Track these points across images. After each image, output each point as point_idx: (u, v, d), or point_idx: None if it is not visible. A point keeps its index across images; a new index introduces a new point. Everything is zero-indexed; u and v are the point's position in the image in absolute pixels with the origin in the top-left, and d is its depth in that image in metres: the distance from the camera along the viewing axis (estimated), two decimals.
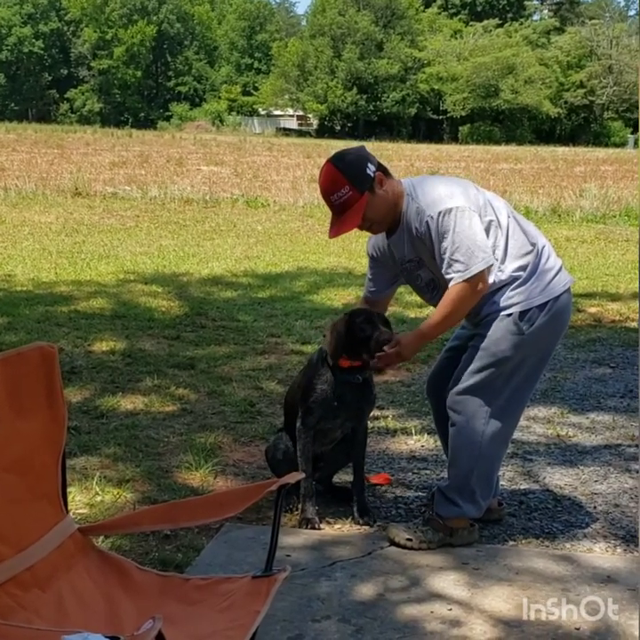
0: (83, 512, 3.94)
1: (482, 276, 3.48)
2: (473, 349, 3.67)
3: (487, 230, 3.54)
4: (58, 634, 1.71)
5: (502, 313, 3.58)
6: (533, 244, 3.59)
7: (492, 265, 3.49)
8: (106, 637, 1.70)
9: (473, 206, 3.51)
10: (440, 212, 3.47)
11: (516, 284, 3.57)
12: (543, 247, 3.62)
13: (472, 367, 3.67)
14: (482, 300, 3.58)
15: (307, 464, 3.91)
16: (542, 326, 3.57)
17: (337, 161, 3.61)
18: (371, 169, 3.57)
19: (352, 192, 3.54)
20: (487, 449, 3.63)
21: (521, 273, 3.56)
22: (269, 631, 2.95)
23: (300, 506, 3.94)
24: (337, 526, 3.96)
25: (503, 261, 3.56)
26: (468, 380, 3.67)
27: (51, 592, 2.39)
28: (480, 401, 3.63)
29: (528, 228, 3.66)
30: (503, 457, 3.77)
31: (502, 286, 3.57)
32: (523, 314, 3.56)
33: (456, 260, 3.46)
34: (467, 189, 3.61)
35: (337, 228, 3.61)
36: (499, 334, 3.59)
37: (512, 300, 3.57)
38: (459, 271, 3.46)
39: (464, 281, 3.46)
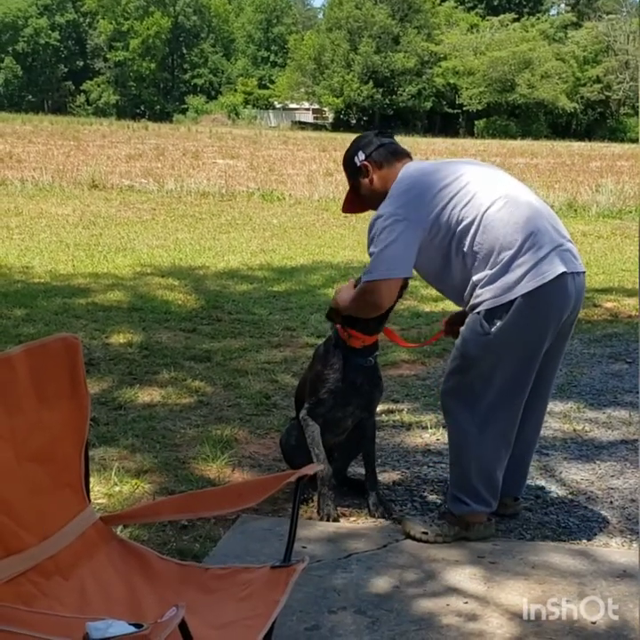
0: (102, 502, 3.97)
1: (375, 285, 3.57)
2: (453, 348, 3.70)
3: (461, 229, 3.47)
4: (82, 621, 1.73)
5: (473, 311, 3.52)
6: (514, 240, 3.41)
7: (393, 279, 3.55)
8: (129, 624, 1.72)
9: (410, 214, 3.50)
10: (373, 218, 3.61)
11: (485, 280, 3.46)
12: (525, 240, 3.42)
13: (448, 367, 3.71)
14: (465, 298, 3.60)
15: (319, 449, 3.92)
16: (512, 325, 3.43)
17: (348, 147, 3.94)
18: (359, 158, 3.79)
19: (347, 178, 3.93)
20: (481, 449, 3.60)
21: (492, 270, 3.44)
22: (286, 622, 2.97)
23: (317, 495, 3.95)
24: (352, 519, 3.98)
25: (476, 259, 3.47)
26: (447, 381, 3.70)
27: (73, 580, 2.41)
28: (463, 403, 3.61)
29: (513, 221, 3.44)
30: (505, 456, 3.68)
31: (476, 284, 3.49)
32: (490, 312, 3.45)
33: (370, 264, 3.59)
34: (429, 189, 3.54)
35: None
36: (467, 334, 3.56)
37: (480, 297, 3.47)
38: (366, 273, 3.61)
39: (364, 282, 3.62)
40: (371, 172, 3.76)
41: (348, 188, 3.97)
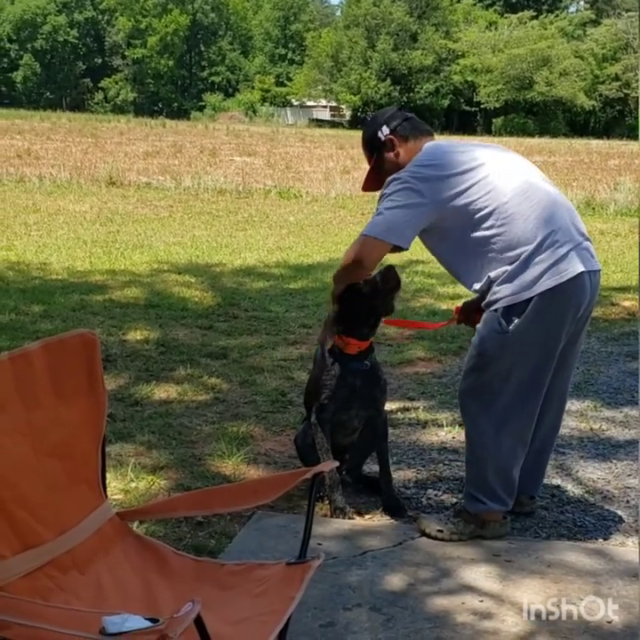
0: (118, 498, 3.98)
1: (367, 240, 3.50)
2: (471, 346, 3.68)
3: (478, 219, 3.45)
4: (98, 615, 1.74)
5: (490, 308, 3.50)
6: (534, 236, 3.40)
7: (384, 242, 3.48)
8: (145, 619, 1.73)
9: (425, 188, 3.46)
10: (390, 178, 3.59)
11: (502, 277, 3.44)
12: (545, 237, 3.40)
13: (466, 366, 3.70)
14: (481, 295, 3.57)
15: (328, 456, 3.91)
16: (531, 323, 3.42)
17: (365, 123, 3.92)
18: (383, 132, 3.73)
19: (367, 153, 3.84)
20: (498, 448, 3.59)
21: (510, 266, 3.41)
22: (301, 619, 2.97)
23: (327, 496, 3.94)
24: (367, 516, 3.98)
25: (492, 250, 3.45)
26: (465, 380, 3.69)
27: (89, 575, 2.43)
28: (480, 402, 3.60)
29: (533, 216, 3.43)
30: (521, 455, 3.68)
31: (494, 280, 3.47)
32: (508, 310, 3.43)
33: (371, 220, 3.56)
34: (451, 169, 3.50)
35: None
36: (484, 332, 3.54)
37: (498, 294, 3.45)
38: (365, 227, 3.55)
39: (361, 234, 3.54)
40: (396, 145, 3.71)
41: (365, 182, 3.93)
